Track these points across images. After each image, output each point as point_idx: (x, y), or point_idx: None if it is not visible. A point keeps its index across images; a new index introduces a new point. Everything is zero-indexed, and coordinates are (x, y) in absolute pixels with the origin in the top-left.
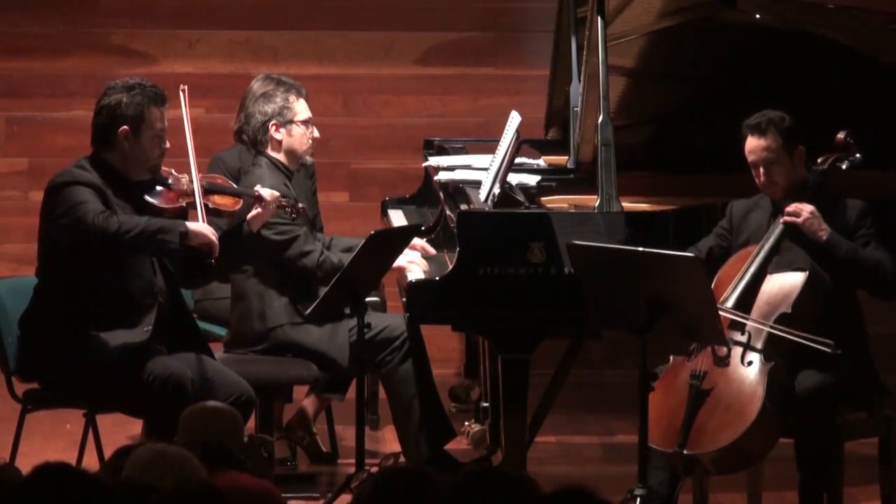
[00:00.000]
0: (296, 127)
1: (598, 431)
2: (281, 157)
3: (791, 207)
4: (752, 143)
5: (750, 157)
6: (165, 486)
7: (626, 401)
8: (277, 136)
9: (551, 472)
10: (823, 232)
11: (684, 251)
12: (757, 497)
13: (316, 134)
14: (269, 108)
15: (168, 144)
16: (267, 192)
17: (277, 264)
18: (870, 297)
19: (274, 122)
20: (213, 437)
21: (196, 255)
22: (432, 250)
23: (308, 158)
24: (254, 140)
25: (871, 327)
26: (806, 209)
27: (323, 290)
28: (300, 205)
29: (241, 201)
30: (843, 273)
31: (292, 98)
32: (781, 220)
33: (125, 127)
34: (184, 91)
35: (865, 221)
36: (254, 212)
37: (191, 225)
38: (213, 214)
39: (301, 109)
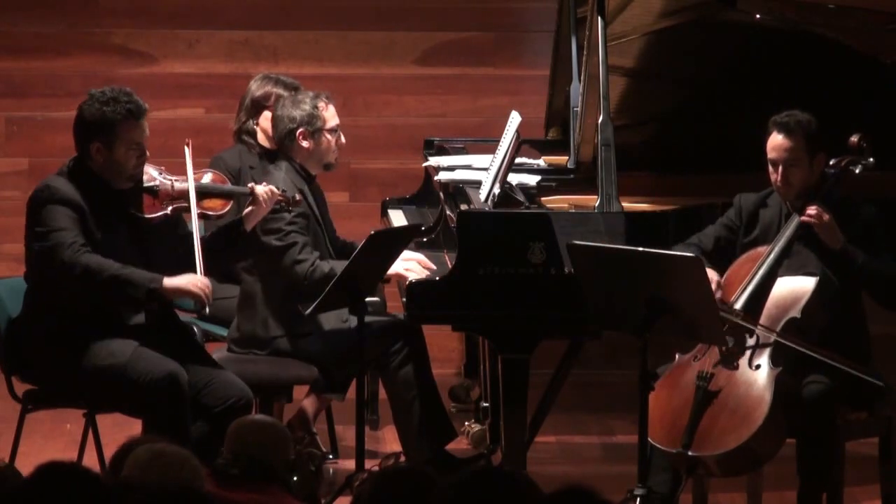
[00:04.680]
0: (324, 136)
1: (598, 431)
2: (304, 161)
3: (812, 210)
4: (776, 141)
5: (771, 154)
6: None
7: (626, 401)
8: (304, 143)
9: (551, 472)
10: (839, 242)
11: (688, 241)
12: (757, 497)
13: (343, 140)
14: (297, 113)
15: (148, 154)
16: (261, 189)
17: (276, 269)
18: (870, 297)
19: (302, 129)
20: (260, 452)
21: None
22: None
23: (332, 161)
24: (279, 144)
25: (871, 327)
26: (825, 215)
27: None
28: (297, 196)
29: (230, 203)
30: (856, 281)
31: (321, 105)
32: (801, 218)
33: (97, 143)
34: (188, 145)
35: (878, 228)
36: (248, 209)
37: (169, 281)
38: (200, 218)
39: (330, 117)
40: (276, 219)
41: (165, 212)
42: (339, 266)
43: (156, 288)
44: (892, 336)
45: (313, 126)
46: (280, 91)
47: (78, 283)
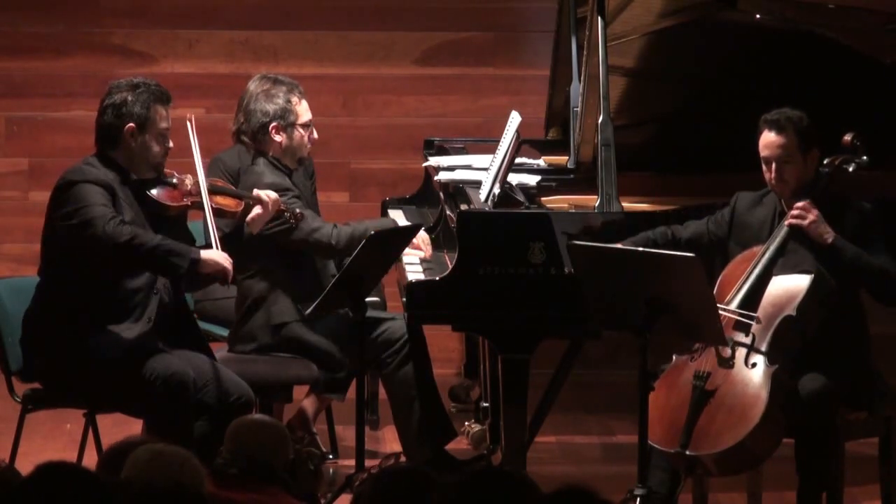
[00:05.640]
0: (296, 130)
1: (598, 431)
2: (279, 156)
3: (795, 210)
4: (768, 139)
5: (763, 153)
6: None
7: (626, 401)
8: (277, 138)
9: (551, 472)
10: (829, 235)
11: (662, 228)
12: (757, 497)
13: (315, 135)
14: (271, 108)
15: (172, 144)
16: (264, 195)
17: (284, 261)
18: (870, 298)
19: (275, 124)
20: (259, 451)
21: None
22: (429, 251)
23: (304, 155)
24: (252, 138)
25: (871, 327)
26: (811, 212)
27: (326, 285)
28: (298, 211)
29: (244, 203)
30: (848, 277)
31: (294, 99)
32: (786, 223)
33: (131, 125)
34: (190, 121)
35: (873, 226)
36: (253, 213)
37: (204, 253)
38: (216, 215)
39: (303, 112)
40: None
41: (184, 203)
42: (360, 226)
43: (196, 259)
44: (892, 336)
45: (286, 120)
46: None
47: (121, 253)
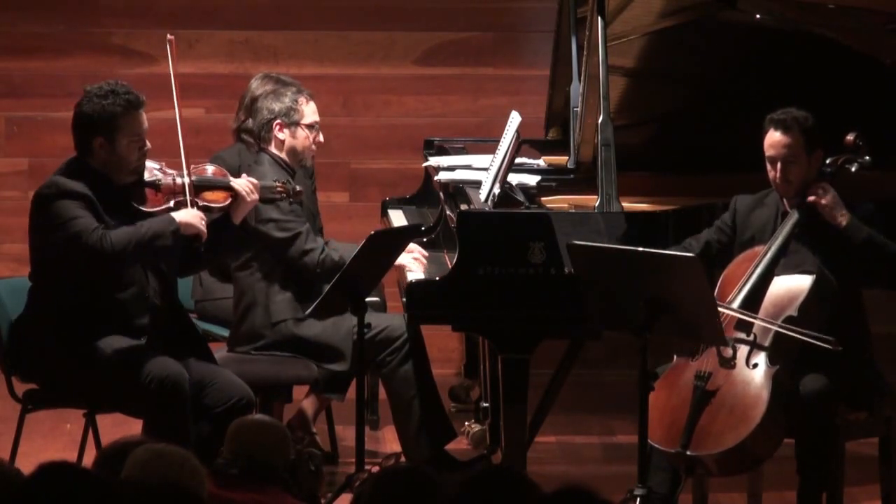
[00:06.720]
0: (300, 129)
1: (598, 431)
2: (283, 155)
3: (815, 188)
4: (774, 138)
5: (769, 152)
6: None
7: (626, 401)
8: (280, 135)
9: (551, 472)
10: (844, 217)
11: (679, 245)
12: (757, 497)
13: (321, 139)
14: (277, 106)
15: (149, 146)
16: (238, 184)
17: (280, 260)
18: (870, 298)
19: (279, 121)
20: (260, 452)
21: (188, 247)
22: (423, 261)
23: (308, 161)
24: (257, 135)
25: (872, 327)
26: (830, 192)
27: (325, 287)
28: (298, 188)
29: (231, 195)
30: (860, 261)
31: (302, 100)
32: (808, 199)
33: (100, 139)
34: (171, 42)
35: (874, 226)
36: (235, 204)
37: (178, 217)
38: (203, 211)
39: (308, 113)
40: (273, 208)
41: (168, 205)
42: (348, 254)
43: (176, 228)
44: (892, 336)
45: (290, 118)
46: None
47: (112, 262)
